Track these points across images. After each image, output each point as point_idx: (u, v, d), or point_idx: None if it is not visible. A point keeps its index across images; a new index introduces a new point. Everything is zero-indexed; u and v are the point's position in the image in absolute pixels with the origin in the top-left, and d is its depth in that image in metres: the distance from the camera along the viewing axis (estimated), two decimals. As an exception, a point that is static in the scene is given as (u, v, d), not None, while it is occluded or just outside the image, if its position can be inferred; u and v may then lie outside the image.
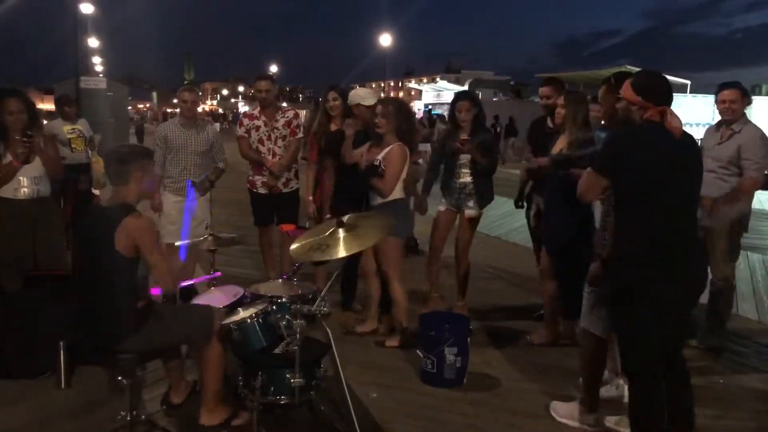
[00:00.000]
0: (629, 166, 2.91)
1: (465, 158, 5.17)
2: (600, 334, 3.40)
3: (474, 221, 5.33)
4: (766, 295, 6.45)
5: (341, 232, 3.22)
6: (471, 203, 5.25)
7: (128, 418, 3.17)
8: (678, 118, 2.96)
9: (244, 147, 5.78)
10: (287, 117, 5.81)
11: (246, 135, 5.77)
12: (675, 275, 2.88)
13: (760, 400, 4.06)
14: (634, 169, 2.90)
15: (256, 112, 5.83)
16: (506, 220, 9.72)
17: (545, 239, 4.77)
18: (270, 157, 5.70)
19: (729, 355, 4.78)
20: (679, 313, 3.00)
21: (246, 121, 5.84)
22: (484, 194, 5.27)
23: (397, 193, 4.55)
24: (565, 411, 3.72)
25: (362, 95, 5.21)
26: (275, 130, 5.72)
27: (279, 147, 5.72)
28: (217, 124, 33.81)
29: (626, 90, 3.07)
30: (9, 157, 4.50)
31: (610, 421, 3.59)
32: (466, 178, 5.22)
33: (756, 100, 19.99)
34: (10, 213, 4.55)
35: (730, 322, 5.52)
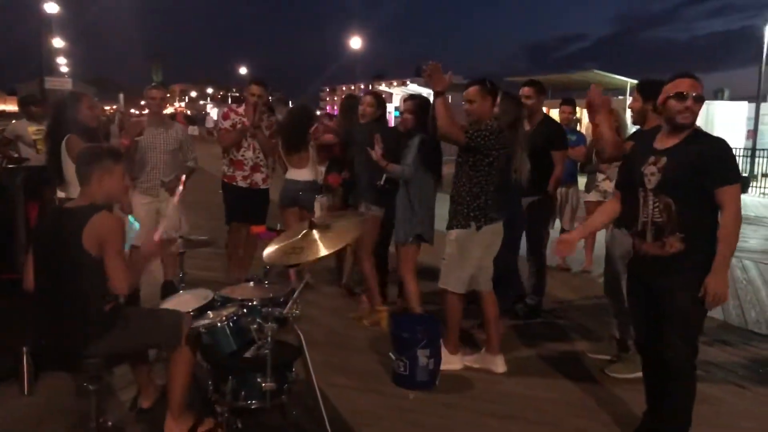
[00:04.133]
0: None
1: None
2: (458, 291, 4.28)
3: (376, 221, 5.29)
4: (730, 295, 6.56)
5: (315, 234, 3.19)
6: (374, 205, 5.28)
7: (94, 425, 3.10)
8: None
9: (229, 139, 5.83)
10: (270, 120, 6.13)
11: (231, 129, 5.85)
12: None
13: (724, 399, 4.14)
14: None
15: (242, 110, 5.97)
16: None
17: None
18: (251, 153, 5.87)
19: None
20: None
21: (233, 115, 5.95)
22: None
23: None
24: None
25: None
26: (254, 129, 5.88)
27: (258, 146, 5.92)
28: (195, 127, 33.19)
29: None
30: None
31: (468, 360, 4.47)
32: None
33: (718, 104, 20.49)
34: None
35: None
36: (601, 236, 6.61)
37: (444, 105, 4.12)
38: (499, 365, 4.41)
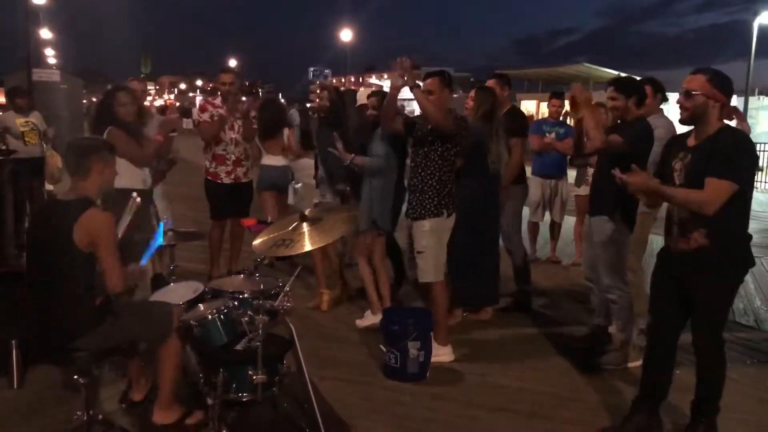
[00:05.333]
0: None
1: None
2: (440, 279, 4.41)
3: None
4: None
5: (305, 227, 3.18)
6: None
7: (85, 418, 3.09)
8: None
9: (210, 131, 5.79)
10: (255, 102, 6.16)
11: (209, 120, 5.81)
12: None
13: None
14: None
15: (218, 101, 5.90)
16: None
17: None
18: (233, 147, 5.84)
19: (685, 346, 4.86)
20: None
21: (210, 108, 5.90)
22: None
23: None
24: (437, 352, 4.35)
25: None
26: (237, 121, 5.84)
27: (239, 136, 5.89)
28: (190, 120, 32.77)
29: (704, 85, 3.14)
30: None
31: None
32: None
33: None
34: None
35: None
36: (567, 225, 6.67)
37: (425, 95, 4.25)
38: (446, 355, 4.46)
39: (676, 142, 3.43)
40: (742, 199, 3.14)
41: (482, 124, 4.84)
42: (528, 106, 22.29)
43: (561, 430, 3.63)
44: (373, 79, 57.64)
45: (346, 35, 41.04)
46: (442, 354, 4.42)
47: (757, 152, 3.34)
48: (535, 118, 15.15)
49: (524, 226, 6.14)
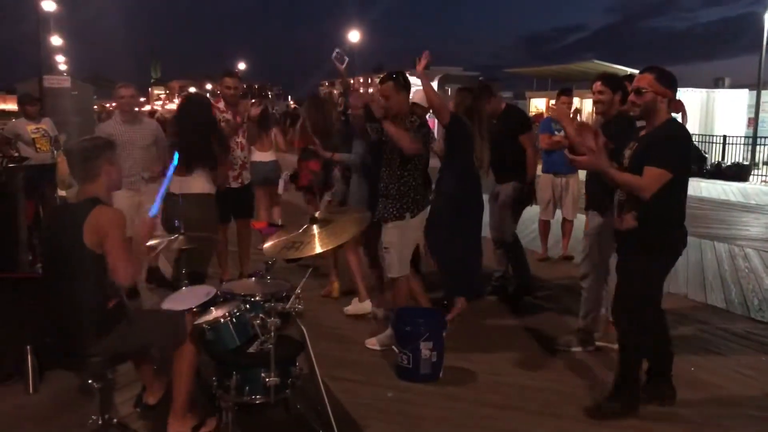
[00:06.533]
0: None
1: None
2: (404, 274, 4.58)
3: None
4: (733, 284, 6.57)
5: (315, 229, 3.19)
6: None
7: (100, 422, 3.10)
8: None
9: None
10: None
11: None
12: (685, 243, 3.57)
13: (727, 387, 4.14)
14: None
15: (221, 105, 5.88)
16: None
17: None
18: (239, 151, 5.88)
19: (699, 343, 4.86)
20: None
21: (217, 113, 5.85)
22: None
23: None
24: (381, 340, 4.61)
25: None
26: (243, 125, 5.90)
27: (244, 140, 5.99)
28: None
29: (652, 83, 3.41)
30: None
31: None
32: None
33: (719, 93, 20.43)
34: None
35: (698, 311, 5.66)
36: (579, 223, 6.65)
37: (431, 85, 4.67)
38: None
39: (635, 134, 3.67)
40: (675, 188, 3.40)
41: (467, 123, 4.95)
42: (538, 104, 22.17)
43: (571, 428, 3.62)
44: (382, 79, 57.39)
45: (353, 36, 41.01)
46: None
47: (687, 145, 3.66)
48: (544, 116, 15.10)
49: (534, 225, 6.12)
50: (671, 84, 3.46)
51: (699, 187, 14.50)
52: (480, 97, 5.20)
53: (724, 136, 18.13)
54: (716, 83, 24.80)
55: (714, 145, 18.16)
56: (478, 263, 5.26)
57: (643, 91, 3.42)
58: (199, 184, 4.78)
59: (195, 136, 4.75)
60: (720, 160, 17.54)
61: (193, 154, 4.63)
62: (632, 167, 3.45)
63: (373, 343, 4.67)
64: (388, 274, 4.68)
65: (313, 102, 6.16)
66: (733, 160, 17.31)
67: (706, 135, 18.51)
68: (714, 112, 19.61)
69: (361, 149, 5.13)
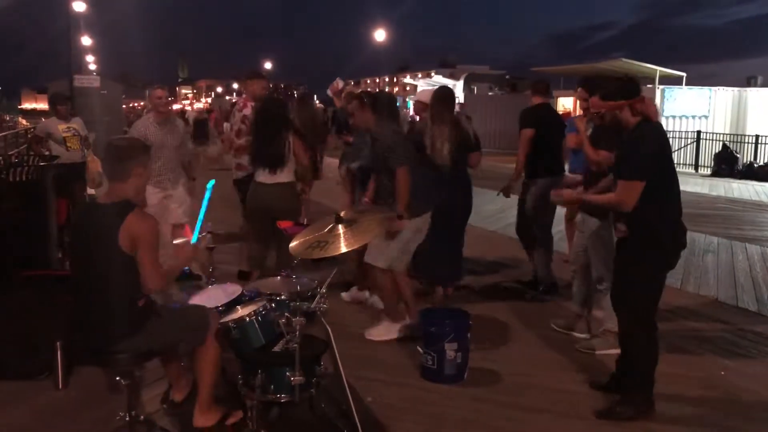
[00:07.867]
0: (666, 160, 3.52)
1: None
2: (380, 266, 4.62)
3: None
4: (765, 286, 6.44)
5: (340, 228, 3.19)
6: None
7: (127, 419, 3.13)
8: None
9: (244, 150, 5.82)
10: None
11: (245, 144, 5.77)
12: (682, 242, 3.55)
13: (756, 391, 4.07)
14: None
15: (245, 102, 6.09)
16: (504, 214, 9.66)
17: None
18: None
19: (729, 346, 4.78)
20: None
21: (239, 114, 6.06)
22: None
23: None
24: (379, 331, 4.74)
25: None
26: None
27: None
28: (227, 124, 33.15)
29: (599, 103, 3.51)
30: None
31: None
32: None
33: (751, 91, 20.06)
34: None
35: (729, 313, 5.57)
36: None
37: None
38: (387, 334, 4.76)
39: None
40: (658, 190, 3.39)
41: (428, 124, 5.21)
42: (565, 103, 21.94)
43: (598, 431, 3.58)
44: (407, 79, 57.46)
45: (379, 35, 41.00)
46: (392, 332, 4.75)
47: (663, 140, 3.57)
48: (572, 115, 14.94)
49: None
50: (621, 92, 3.44)
51: (731, 188, 14.24)
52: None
53: (757, 136, 17.79)
54: (748, 82, 24.35)
55: (746, 145, 17.84)
56: (451, 251, 5.44)
57: (600, 113, 3.54)
58: (284, 175, 5.13)
59: (278, 141, 5.06)
60: (752, 160, 17.23)
61: (276, 159, 5.05)
62: (616, 176, 3.53)
63: (380, 333, 4.77)
64: (366, 259, 4.71)
65: (302, 103, 6.95)
66: (765, 160, 16.99)
67: (737, 135, 18.22)
68: (746, 112, 19.25)
69: (368, 154, 5.23)
